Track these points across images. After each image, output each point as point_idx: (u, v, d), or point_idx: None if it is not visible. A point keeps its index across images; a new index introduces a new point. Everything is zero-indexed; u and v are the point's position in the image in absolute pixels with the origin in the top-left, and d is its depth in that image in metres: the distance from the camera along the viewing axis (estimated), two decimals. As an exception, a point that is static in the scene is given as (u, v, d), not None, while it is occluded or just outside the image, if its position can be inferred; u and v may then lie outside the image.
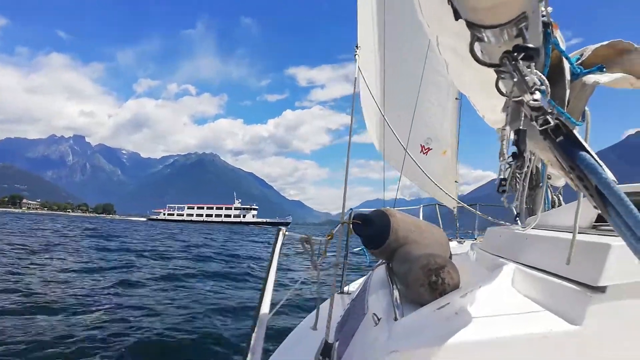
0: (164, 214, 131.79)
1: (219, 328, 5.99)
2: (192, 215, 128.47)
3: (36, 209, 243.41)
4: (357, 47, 3.23)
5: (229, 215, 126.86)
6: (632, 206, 0.62)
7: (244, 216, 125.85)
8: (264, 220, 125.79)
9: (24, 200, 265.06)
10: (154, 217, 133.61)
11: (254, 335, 1.13)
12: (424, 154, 5.50)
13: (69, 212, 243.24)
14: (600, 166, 0.65)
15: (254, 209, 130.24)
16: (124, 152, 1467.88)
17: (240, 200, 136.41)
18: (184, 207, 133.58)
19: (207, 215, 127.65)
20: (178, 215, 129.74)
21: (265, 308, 1.01)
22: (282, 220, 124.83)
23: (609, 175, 0.64)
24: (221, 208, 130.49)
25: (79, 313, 6.52)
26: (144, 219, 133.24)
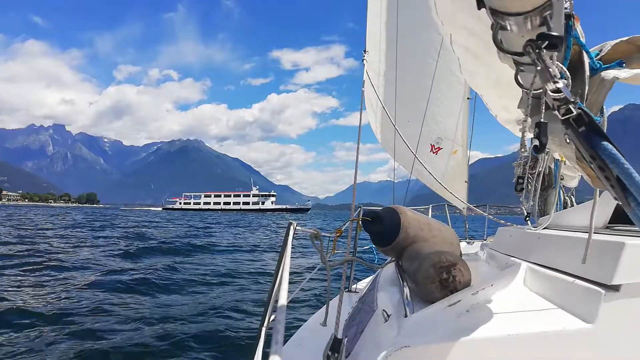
0: (180, 203, 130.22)
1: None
2: (209, 203, 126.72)
3: (17, 200, 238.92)
4: (365, 51, 3.21)
5: (247, 203, 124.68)
6: None
7: (263, 203, 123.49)
8: (284, 207, 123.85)
9: (4, 192, 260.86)
10: (170, 206, 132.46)
11: (269, 330, 1.13)
12: (434, 153, 5.46)
13: (50, 202, 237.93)
14: (623, 156, 0.64)
15: (272, 196, 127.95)
16: (105, 140, 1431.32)
17: (257, 187, 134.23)
18: (200, 195, 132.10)
19: (224, 203, 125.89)
20: (195, 203, 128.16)
21: (282, 301, 1.02)
22: (302, 207, 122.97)
23: (630, 166, 0.64)
24: (239, 195, 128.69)
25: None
26: (160, 209, 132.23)
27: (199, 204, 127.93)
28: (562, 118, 0.70)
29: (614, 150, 0.65)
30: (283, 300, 0.98)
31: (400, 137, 3.00)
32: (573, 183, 3.25)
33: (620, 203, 0.68)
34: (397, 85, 4.61)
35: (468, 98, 5.45)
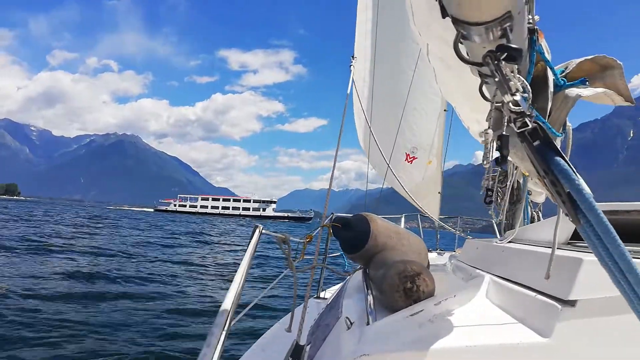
0: (175, 205, 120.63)
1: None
2: (206, 207, 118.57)
3: None
4: (353, 57, 3.20)
5: (248, 209, 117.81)
6: (602, 214, 0.62)
7: (264, 209, 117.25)
8: (285, 214, 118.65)
9: None
10: (163, 207, 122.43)
11: (213, 335, 1.10)
12: (408, 162, 5.52)
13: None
14: (575, 173, 0.64)
15: (273, 202, 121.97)
16: (33, 128, 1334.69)
17: (254, 194, 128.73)
18: (197, 197, 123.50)
19: (223, 208, 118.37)
20: (191, 206, 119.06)
21: (232, 307, 0.98)
22: (304, 215, 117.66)
23: (583, 182, 0.64)
24: (239, 200, 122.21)
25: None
26: (151, 210, 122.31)
27: (196, 207, 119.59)
28: (518, 131, 0.71)
29: (566, 166, 0.66)
30: (232, 309, 0.94)
31: (377, 147, 3.01)
32: (540, 198, 3.33)
33: (571, 219, 0.69)
34: (375, 92, 4.63)
35: (444, 110, 5.53)
